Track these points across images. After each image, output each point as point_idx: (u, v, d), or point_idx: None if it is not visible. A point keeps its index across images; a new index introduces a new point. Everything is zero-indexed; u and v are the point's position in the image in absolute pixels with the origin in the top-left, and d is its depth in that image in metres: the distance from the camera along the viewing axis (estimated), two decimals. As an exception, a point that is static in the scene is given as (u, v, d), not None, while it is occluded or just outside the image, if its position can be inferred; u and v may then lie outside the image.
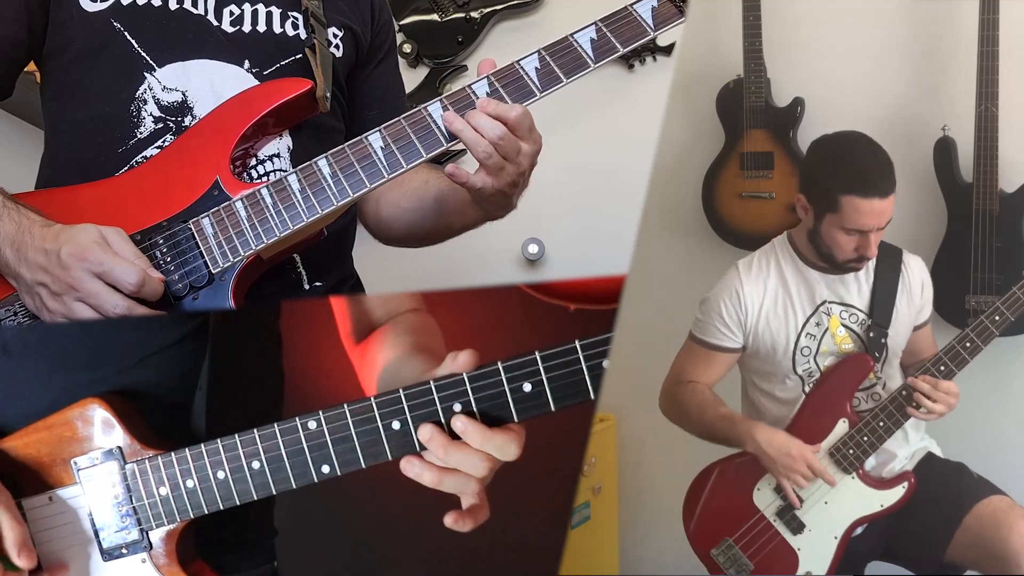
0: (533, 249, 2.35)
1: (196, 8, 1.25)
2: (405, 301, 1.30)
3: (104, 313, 1.03)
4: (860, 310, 1.74)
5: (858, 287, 1.75)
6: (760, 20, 2.07)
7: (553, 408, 0.92)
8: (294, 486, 0.98)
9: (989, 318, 1.66)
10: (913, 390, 1.66)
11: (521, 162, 1.16)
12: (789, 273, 1.76)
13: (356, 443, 0.95)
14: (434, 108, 1.15)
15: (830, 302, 1.74)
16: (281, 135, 1.25)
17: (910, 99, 2.06)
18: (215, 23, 1.25)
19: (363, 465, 0.96)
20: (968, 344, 1.66)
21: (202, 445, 1.00)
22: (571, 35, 1.17)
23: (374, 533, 1.48)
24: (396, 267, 2.13)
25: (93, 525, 1.03)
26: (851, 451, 1.70)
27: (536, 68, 1.16)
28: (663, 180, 2.21)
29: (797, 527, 1.73)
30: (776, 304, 1.75)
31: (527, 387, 0.92)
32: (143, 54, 1.22)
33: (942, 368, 1.66)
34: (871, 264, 1.74)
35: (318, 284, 1.30)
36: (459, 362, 0.93)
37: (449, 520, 0.96)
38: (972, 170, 1.93)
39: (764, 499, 1.75)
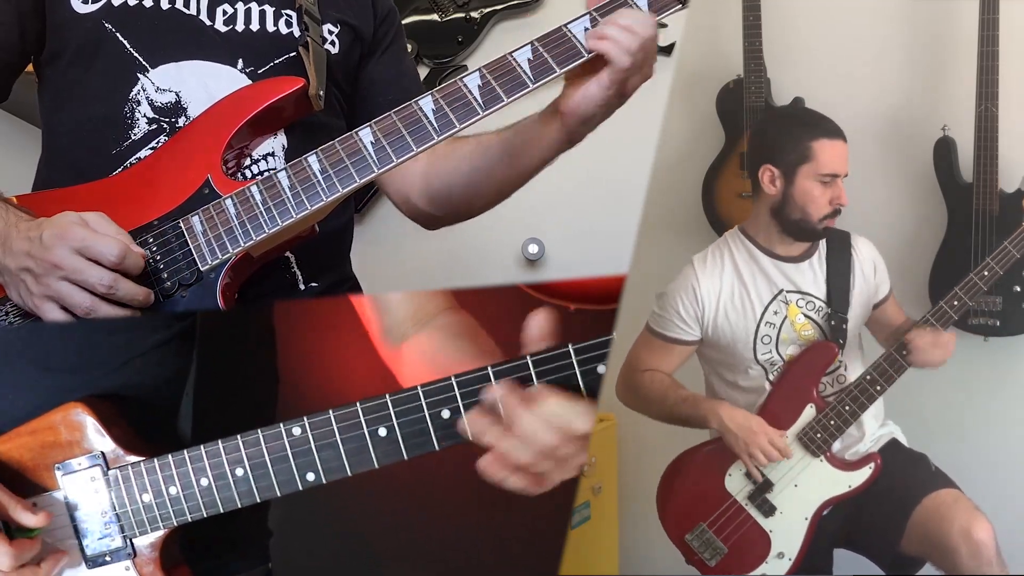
0: (533, 249, 2.35)
1: (188, 8, 1.25)
2: (433, 300, 1.28)
3: (90, 287, 1.02)
4: (817, 298, 1.77)
5: (813, 275, 1.78)
6: (760, 20, 2.07)
7: None
8: (279, 494, 0.97)
9: (948, 303, 1.73)
10: (910, 343, 1.70)
11: (648, 69, 1.15)
12: (743, 264, 1.79)
13: (342, 450, 0.93)
14: (425, 102, 1.14)
15: (787, 291, 1.76)
16: (276, 134, 1.25)
17: (910, 99, 2.05)
18: (208, 23, 1.25)
19: (349, 473, 0.94)
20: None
21: (185, 451, 0.99)
22: (565, 25, 1.16)
23: (371, 533, 1.47)
24: (396, 267, 2.14)
25: (76, 532, 1.02)
26: (818, 435, 1.74)
27: (529, 59, 1.14)
28: (663, 180, 2.20)
29: (769, 510, 1.76)
30: (733, 297, 1.78)
31: None
32: (136, 55, 1.22)
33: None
34: (822, 252, 1.78)
35: (314, 284, 1.30)
36: (534, 325, 0.88)
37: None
38: (972, 170, 1.93)
39: (736, 484, 1.79)
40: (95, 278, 1.02)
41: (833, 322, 1.76)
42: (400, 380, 1.24)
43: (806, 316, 1.76)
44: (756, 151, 1.89)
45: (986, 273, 1.72)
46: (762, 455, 1.71)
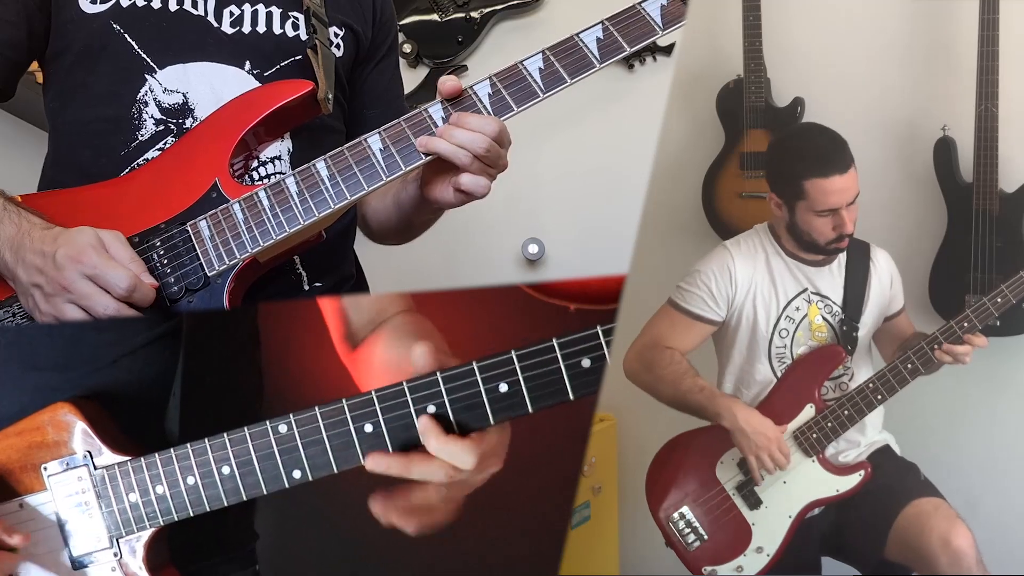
0: (533, 249, 2.35)
1: (196, 9, 1.24)
2: (394, 303, 1.28)
3: (94, 314, 1.02)
4: (835, 302, 1.78)
5: (832, 279, 1.79)
6: (760, 20, 2.07)
7: (531, 409, 0.90)
8: (265, 491, 0.97)
9: (991, 300, 1.71)
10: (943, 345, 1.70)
11: (501, 167, 1.17)
12: (773, 258, 1.80)
13: (328, 446, 0.94)
14: (435, 109, 1.14)
15: (811, 291, 1.77)
16: (282, 138, 1.25)
17: (910, 99, 2.05)
18: (215, 24, 1.25)
19: (335, 469, 0.94)
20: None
21: (172, 450, 0.99)
22: (577, 35, 1.16)
23: (362, 536, 1.46)
24: (397, 266, 2.13)
25: (63, 532, 1.02)
26: (815, 435, 1.75)
27: (540, 68, 1.14)
28: (663, 180, 2.20)
29: (754, 503, 1.77)
30: (763, 285, 1.79)
31: (503, 387, 0.90)
32: (144, 56, 1.22)
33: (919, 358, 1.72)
34: (843, 259, 1.78)
35: (318, 284, 1.29)
36: (415, 356, 0.92)
37: (376, 507, 0.95)
38: (972, 170, 1.93)
39: (726, 472, 1.79)
40: (100, 306, 1.02)
41: (845, 328, 1.77)
42: (357, 383, 1.24)
43: (824, 318, 1.77)
44: (767, 176, 1.91)
45: None
46: (769, 461, 1.72)
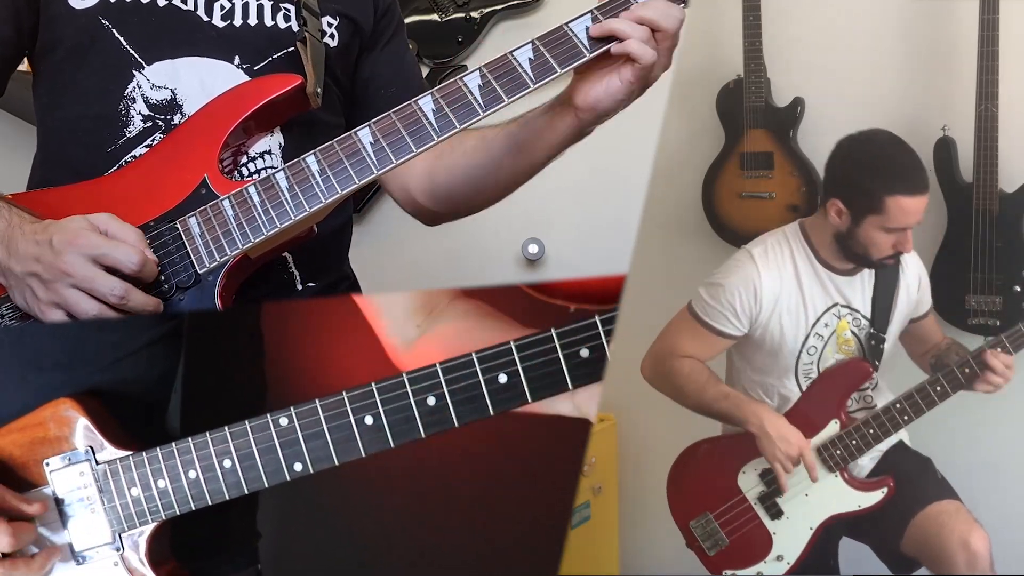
0: (533, 249, 2.35)
1: (185, 4, 1.23)
2: (443, 293, 1.23)
3: (100, 297, 1.01)
4: (863, 315, 1.76)
5: (861, 290, 1.77)
6: (760, 20, 2.07)
7: (530, 399, 0.90)
8: (266, 485, 0.97)
9: None
10: (985, 365, 1.69)
11: (669, 60, 1.14)
12: (803, 268, 1.78)
13: (328, 439, 0.94)
14: (424, 102, 1.12)
15: (841, 305, 1.76)
16: (272, 132, 1.24)
17: (910, 99, 2.05)
18: (205, 18, 1.24)
19: (336, 462, 0.95)
20: None
21: (173, 444, 0.99)
22: (566, 24, 1.14)
23: (364, 534, 1.46)
24: (396, 267, 2.14)
25: (65, 527, 1.03)
26: (838, 451, 1.75)
27: (530, 59, 1.13)
28: (663, 180, 2.20)
29: (776, 513, 1.78)
30: (791, 301, 1.77)
31: (502, 378, 0.90)
32: (131, 52, 1.21)
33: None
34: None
35: (311, 285, 1.29)
36: None
37: None
38: (972, 170, 1.93)
39: (748, 482, 1.80)
40: (107, 288, 1.00)
41: (873, 342, 1.76)
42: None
43: (852, 332, 1.77)
44: (829, 180, 1.85)
45: None
46: (790, 464, 1.71)
